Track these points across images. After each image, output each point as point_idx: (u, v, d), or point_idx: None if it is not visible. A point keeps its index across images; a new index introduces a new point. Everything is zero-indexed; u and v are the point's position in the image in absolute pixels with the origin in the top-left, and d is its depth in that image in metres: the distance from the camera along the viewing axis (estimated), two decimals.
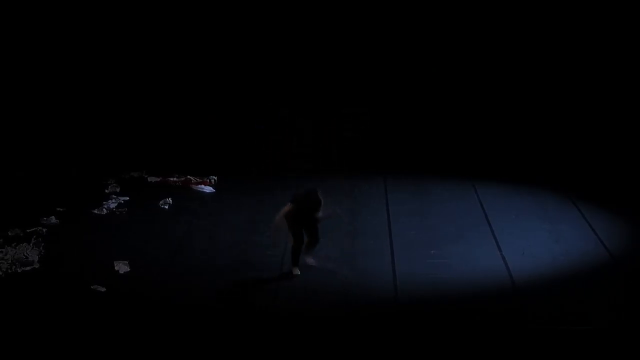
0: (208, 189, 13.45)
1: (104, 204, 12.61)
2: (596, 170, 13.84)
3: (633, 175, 13.49)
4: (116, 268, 10.26)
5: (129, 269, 10.26)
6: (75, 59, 14.91)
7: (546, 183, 13.48)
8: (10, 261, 10.39)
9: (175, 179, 13.77)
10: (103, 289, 9.64)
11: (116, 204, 12.69)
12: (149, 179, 13.90)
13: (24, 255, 10.57)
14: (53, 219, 11.98)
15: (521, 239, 11.18)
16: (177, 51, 15.05)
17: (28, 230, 11.44)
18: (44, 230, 11.54)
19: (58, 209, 12.36)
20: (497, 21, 14.85)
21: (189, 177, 13.76)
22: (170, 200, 12.74)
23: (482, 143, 14.84)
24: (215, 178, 13.74)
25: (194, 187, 13.52)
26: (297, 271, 10.24)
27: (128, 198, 12.96)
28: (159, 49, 15.01)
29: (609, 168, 13.90)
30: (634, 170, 13.65)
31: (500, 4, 14.83)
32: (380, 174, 13.99)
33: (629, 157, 14.12)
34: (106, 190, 13.27)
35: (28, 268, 10.30)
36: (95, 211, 12.41)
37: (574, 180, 13.49)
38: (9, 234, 11.28)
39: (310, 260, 10.47)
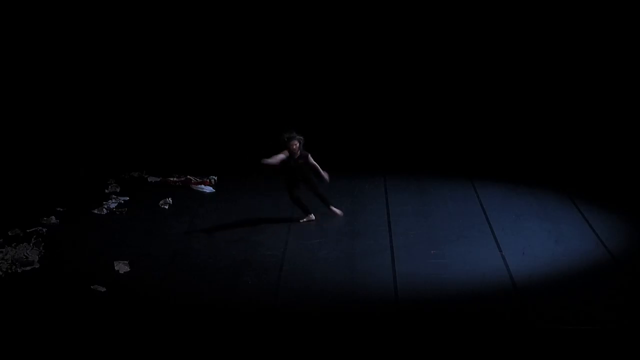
0: (208, 189, 13.45)
1: (104, 204, 12.62)
2: (596, 170, 13.86)
3: (633, 176, 13.51)
4: (116, 268, 10.27)
5: (129, 269, 10.27)
6: (76, 59, 14.95)
7: (546, 183, 13.50)
8: (10, 261, 10.41)
9: (175, 179, 13.78)
10: (103, 289, 9.66)
11: (116, 204, 12.70)
12: (149, 179, 13.91)
13: (24, 255, 10.58)
14: (53, 219, 12.00)
15: (521, 239, 11.19)
16: (177, 52, 15.08)
17: (28, 230, 11.46)
18: (44, 230, 11.56)
19: (58, 209, 12.38)
20: (497, 21, 14.87)
21: (189, 177, 13.77)
22: (170, 200, 12.75)
23: (482, 143, 14.87)
24: (215, 178, 13.75)
25: (194, 187, 13.53)
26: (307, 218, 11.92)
27: (128, 198, 12.97)
28: (159, 49, 15.03)
29: (609, 168, 13.91)
30: (634, 171, 13.67)
31: (500, 4, 14.86)
32: (380, 174, 14.01)
33: (629, 157, 14.14)
34: (106, 190, 13.28)
35: (28, 268, 10.32)
36: (95, 211, 12.42)
37: (574, 180, 13.50)
38: (9, 234, 11.31)
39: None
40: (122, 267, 10.25)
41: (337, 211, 12.05)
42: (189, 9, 14.90)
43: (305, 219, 11.93)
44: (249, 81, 15.13)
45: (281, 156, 11.59)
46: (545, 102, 14.92)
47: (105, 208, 12.49)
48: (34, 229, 11.49)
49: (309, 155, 11.73)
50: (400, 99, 15.13)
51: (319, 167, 11.77)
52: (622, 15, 14.51)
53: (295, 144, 11.60)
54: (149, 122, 14.94)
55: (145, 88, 15.00)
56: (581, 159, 14.25)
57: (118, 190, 13.33)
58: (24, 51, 14.72)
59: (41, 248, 10.82)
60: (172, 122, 15.00)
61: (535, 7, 14.70)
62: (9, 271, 10.16)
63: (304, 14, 14.90)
